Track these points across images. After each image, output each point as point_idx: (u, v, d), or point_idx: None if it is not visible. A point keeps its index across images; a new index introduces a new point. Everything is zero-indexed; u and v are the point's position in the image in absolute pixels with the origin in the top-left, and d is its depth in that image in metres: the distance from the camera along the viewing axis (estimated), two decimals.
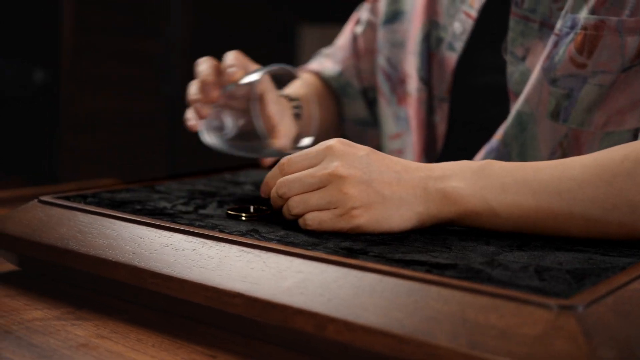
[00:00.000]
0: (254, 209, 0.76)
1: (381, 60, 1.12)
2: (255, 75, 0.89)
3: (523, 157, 0.92)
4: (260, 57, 3.48)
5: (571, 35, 0.88)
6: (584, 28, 0.87)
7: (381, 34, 1.13)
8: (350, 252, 0.62)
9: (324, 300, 0.56)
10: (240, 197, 0.85)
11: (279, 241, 0.65)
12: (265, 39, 3.42)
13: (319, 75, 1.21)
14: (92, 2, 3.00)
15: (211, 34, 3.34)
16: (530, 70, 0.93)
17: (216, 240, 0.65)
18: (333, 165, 0.68)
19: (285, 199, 0.70)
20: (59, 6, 2.90)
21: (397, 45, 1.10)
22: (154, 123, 3.23)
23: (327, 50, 1.24)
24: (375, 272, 0.57)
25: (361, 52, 1.18)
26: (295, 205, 0.69)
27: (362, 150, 0.70)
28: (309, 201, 0.69)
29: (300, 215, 0.69)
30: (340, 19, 3.30)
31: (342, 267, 0.59)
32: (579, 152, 0.89)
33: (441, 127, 1.03)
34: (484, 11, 0.99)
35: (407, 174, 0.69)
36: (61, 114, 2.98)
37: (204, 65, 0.92)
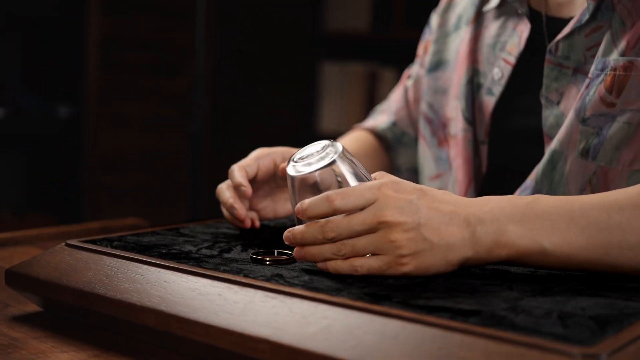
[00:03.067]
0: (277, 252, 0.77)
1: (423, 106, 1.16)
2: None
3: (553, 194, 0.94)
4: (283, 95, 3.48)
5: (601, 77, 0.91)
6: (614, 69, 0.90)
7: (425, 82, 1.17)
8: (374, 298, 0.62)
9: (348, 346, 0.56)
10: (263, 240, 0.86)
11: (303, 286, 0.66)
12: (287, 76, 3.46)
13: (372, 130, 1.25)
14: (116, 41, 3.04)
15: (235, 71, 3.38)
16: (565, 114, 0.96)
17: (241, 286, 0.66)
18: (382, 213, 0.68)
19: (329, 240, 0.70)
20: (83, 45, 2.95)
21: (440, 91, 1.14)
22: (178, 160, 3.25)
23: (381, 107, 1.29)
24: (399, 319, 0.58)
25: (411, 103, 1.23)
26: (342, 247, 0.70)
27: (413, 193, 0.70)
28: (356, 246, 0.69)
29: (343, 257, 0.70)
30: (358, 57, 3.33)
31: (366, 313, 0.59)
32: (606, 189, 0.90)
33: (481, 169, 1.06)
34: (521, 58, 1.02)
35: (457, 217, 0.70)
36: (85, 152, 3.01)
37: (227, 194, 0.92)
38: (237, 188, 0.90)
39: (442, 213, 0.69)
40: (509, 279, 0.70)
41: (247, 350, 0.60)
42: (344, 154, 0.73)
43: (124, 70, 3.09)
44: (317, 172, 0.73)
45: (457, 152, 1.08)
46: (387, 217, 0.68)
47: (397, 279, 0.69)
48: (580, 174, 0.93)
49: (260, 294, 0.65)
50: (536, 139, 0.99)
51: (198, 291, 0.67)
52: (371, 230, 0.69)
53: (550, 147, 0.95)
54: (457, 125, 1.08)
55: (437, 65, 1.15)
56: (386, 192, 0.69)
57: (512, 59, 1.03)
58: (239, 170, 0.91)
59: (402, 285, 0.67)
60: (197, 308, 0.65)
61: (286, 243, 0.73)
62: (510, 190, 0.99)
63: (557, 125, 0.96)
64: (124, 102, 3.11)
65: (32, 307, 0.80)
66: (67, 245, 0.80)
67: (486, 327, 0.55)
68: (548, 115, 0.97)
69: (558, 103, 0.97)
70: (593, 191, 0.91)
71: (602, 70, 0.91)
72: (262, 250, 0.78)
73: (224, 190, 0.92)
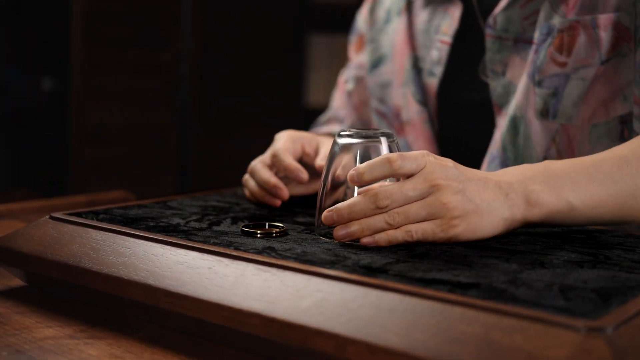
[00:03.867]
0: (268, 225, 0.75)
1: (374, 103, 1.19)
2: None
3: (520, 158, 0.97)
4: (271, 67, 3.45)
5: (548, 40, 0.95)
6: (561, 31, 0.95)
7: (370, 81, 1.20)
8: (370, 271, 0.61)
9: (343, 320, 0.54)
10: (253, 213, 0.84)
11: (296, 259, 0.64)
12: (275, 48, 3.42)
13: (330, 134, 1.26)
14: (101, 13, 3.00)
15: (222, 44, 3.33)
16: (512, 82, 1.00)
17: (232, 259, 0.64)
18: (432, 177, 0.69)
19: (381, 209, 0.69)
20: (68, 17, 2.91)
21: (386, 85, 1.16)
22: (165, 134, 3.22)
23: (325, 117, 1.29)
24: (396, 292, 0.56)
25: (358, 106, 1.25)
26: (396, 215, 0.69)
27: (449, 162, 0.71)
28: (409, 212, 0.68)
29: (395, 226, 0.69)
30: (347, 29, 3.30)
31: (361, 286, 0.57)
32: (570, 146, 0.95)
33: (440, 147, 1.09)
34: (457, 36, 1.06)
35: (490, 182, 0.71)
36: (71, 125, 2.97)
37: (267, 174, 0.90)
38: (291, 172, 0.89)
39: (477, 178, 0.71)
40: (506, 251, 0.69)
41: (238, 325, 0.58)
42: (392, 141, 0.74)
43: (109, 42, 3.05)
44: (361, 145, 0.73)
45: (416, 135, 1.10)
46: (437, 181, 0.68)
47: (393, 251, 0.67)
48: (543, 135, 0.96)
49: (251, 267, 0.63)
50: (485, 112, 1.02)
51: (187, 264, 0.65)
52: (422, 195, 0.69)
53: (510, 114, 0.98)
54: (409, 110, 1.11)
55: (378, 62, 1.18)
56: (430, 159, 0.70)
57: (448, 39, 1.06)
58: (287, 155, 0.90)
59: (399, 257, 0.65)
60: (186, 282, 0.63)
61: (327, 223, 0.70)
62: (465, 164, 1.01)
63: (506, 94, 1.00)
64: (110, 75, 3.07)
65: (16, 282, 0.78)
66: (52, 218, 0.78)
67: (486, 300, 0.53)
68: (496, 87, 1.01)
69: (503, 73, 1.00)
70: (558, 149, 0.96)
71: (548, 34, 0.95)
72: (252, 223, 0.76)
73: (261, 169, 0.90)
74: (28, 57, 3.00)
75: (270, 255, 0.65)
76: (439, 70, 1.07)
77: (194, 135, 3.18)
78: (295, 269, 0.61)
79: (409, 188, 0.69)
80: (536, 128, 0.96)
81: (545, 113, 0.95)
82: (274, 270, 0.61)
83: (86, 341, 0.63)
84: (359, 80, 1.23)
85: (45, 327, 0.66)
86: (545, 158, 0.96)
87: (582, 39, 0.93)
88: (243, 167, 0.95)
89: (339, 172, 0.74)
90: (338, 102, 1.28)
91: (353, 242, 0.70)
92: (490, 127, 1.01)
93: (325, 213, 0.70)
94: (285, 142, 0.93)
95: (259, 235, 0.72)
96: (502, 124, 1.00)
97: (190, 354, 0.60)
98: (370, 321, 0.54)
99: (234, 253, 0.65)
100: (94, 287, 0.68)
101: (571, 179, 0.74)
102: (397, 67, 1.14)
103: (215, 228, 0.75)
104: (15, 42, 3.00)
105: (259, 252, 0.65)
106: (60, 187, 3.01)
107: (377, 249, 0.68)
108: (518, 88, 0.98)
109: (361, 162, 0.73)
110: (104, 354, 0.60)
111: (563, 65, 0.94)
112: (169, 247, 0.68)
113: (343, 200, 0.73)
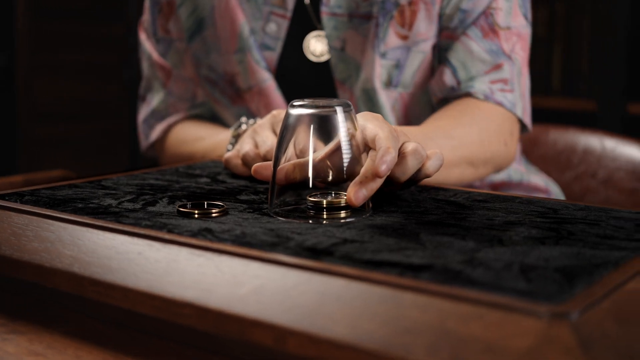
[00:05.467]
0: (207, 205, 0.69)
1: (203, 71, 1.12)
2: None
3: None
4: None
5: (389, 15, 1.00)
6: (401, 6, 1.00)
7: (193, 48, 1.12)
8: (314, 253, 0.55)
9: (284, 309, 0.49)
10: (194, 192, 0.78)
11: (234, 242, 0.58)
12: None
13: (188, 117, 1.18)
14: None
15: None
16: (353, 57, 1.03)
17: (164, 242, 0.58)
18: (397, 133, 0.72)
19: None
20: None
21: (213, 50, 1.10)
22: (116, 110, 3.13)
23: (158, 102, 1.18)
24: (342, 277, 0.51)
25: (195, 79, 1.15)
26: (413, 164, 0.71)
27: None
28: (421, 153, 0.71)
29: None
30: None
31: (304, 270, 0.52)
32: (405, 112, 1.05)
33: None
34: (296, 10, 1.06)
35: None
36: (18, 102, 2.88)
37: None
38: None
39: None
40: (462, 227, 0.64)
41: (170, 316, 0.53)
42: (349, 111, 0.69)
43: (56, 15, 2.94)
44: (317, 116, 0.68)
45: (267, 103, 1.07)
46: (400, 133, 0.73)
47: (342, 230, 0.62)
48: (388, 102, 1.04)
49: (185, 251, 0.57)
50: (326, 86, 1.05)
51: (115, 250, 0.59)
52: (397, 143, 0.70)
53: (360, 87, 1.03)
54: (252, 77, 1.07)
55: (198, 27, 1.10)
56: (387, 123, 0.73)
57: (287, 13, 1.05)
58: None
59: (347, 237, 0.60)
60: (114, 269, 0.57)
61: (359, 203, 0.65)
62: None
63: (348, 69, 1.04)
64: (58, 49, 2.97)
65: None
66: None
67: (440, 284, 0.48)
68: (337, 63, 1.04)
69: (343, 49, 1.03)
70: (397, 116, 1.05)
71: (389, 9, 1.00)
72: (191, 203, 0.70)
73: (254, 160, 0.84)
74: None
75: (206, 237, 0.59)
76: (278, 44, 1.06)
77: None
78: (232, 253, 0.55)
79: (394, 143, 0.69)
80: (384, 97, 1.03)
81: (388, 83, 1.03)
82: (209, 255, 0.56)
83: (4, 337, 0.57)
84: (180, 52, 1.13)
85: None
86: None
87: (422, 13, 1.01)
88: None
89: (300, 145, 0.69)
90: (166, 81, 1.16)
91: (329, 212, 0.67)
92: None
93: (353, 195, 0.65)
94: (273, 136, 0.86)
95: (196, 215, 0.66)
96: (346, 98, 1.04)
97: (119, 348, 0.55)
98: (313, 310, 0.48)
99: (166, 236, 0.59)
100: (14, 276, 0.62)
101: (434, 141, 0.89)
102: (223, 33, 1.07)
103: (150, 209, 0.69)
104: None
105: (194, 235, 0.60)
106: (11, 166, 2.91)
107: (324, 227, 0.63)
108: (365, 61, 1.02)
109: (317, 133, 0.68)
110: (23, 352, 0.55)
111: (405, 38, 1.01)
112: (95, 231, 0.62)
113: (303, 172, 0.68)
